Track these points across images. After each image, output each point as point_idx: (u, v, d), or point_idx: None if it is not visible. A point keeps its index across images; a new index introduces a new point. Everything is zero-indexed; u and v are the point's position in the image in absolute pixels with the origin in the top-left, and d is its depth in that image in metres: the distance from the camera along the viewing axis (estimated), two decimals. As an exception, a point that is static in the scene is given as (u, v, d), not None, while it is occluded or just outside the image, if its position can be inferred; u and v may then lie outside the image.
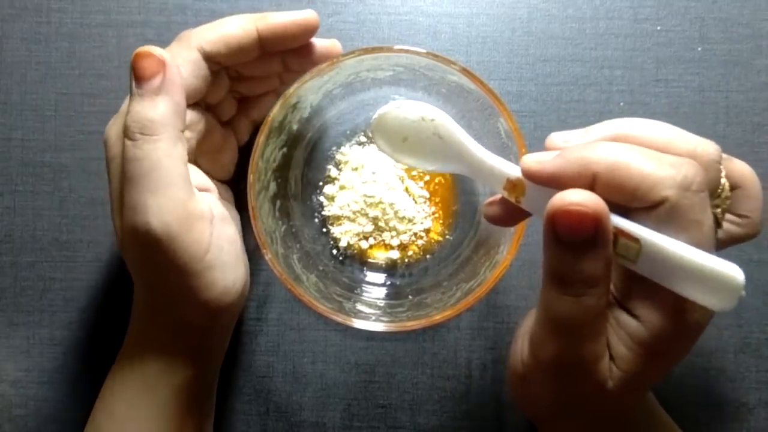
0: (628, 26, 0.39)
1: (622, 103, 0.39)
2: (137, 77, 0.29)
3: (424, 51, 0.31)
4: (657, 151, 0.23)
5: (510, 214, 0.27)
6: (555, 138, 0.26)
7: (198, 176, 0.33)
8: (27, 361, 0.38)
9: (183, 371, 0.32)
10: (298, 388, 0.38)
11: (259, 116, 0.37)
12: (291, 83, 0.36)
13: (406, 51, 0.31)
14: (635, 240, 0.23)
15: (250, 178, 0.31)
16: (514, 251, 0.30)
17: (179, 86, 0.29)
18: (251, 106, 0.37)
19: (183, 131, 0.30)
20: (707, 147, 0.25)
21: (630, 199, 0.23)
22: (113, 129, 0.30)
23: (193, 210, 0.29)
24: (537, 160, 0.24)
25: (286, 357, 0.38)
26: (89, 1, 0.39)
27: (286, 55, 0.33)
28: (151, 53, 0.29)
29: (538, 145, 0.39)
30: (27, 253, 0.39)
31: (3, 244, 0.39)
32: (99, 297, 0.38)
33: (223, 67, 0.33)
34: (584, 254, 0.23)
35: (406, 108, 0.28)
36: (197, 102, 0.33)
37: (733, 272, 0.22)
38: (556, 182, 0.24)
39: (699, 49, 0.39)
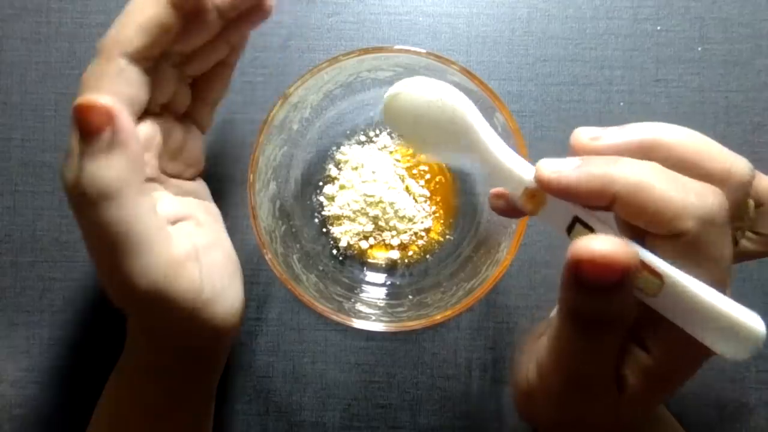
0: (628, 26, 0.39)
1: (622, 103, 0.39)
2: (84, 133, 0.25)
3: (424, 51, 0.31)
4: (684, 175, 0.22)
5: (517, 209, 0.26)
6: (582, 134, 0.24)
7: (169, 206, 0.30)
8: (27, 361, 0.38)
9: (184, 392, 0.32)
10: (298, 388, 0.38)
11: (217, 96, 0.34)
12: (240, 43, 0.33)
13: (406, 51, 0.31)
14: (658, 276, 0.22)
15: (250, 177, 0.31)
16: (515, 251, 0.30)
17: (132, 133, 0.26)
18: (205, 87, 0.33)
19: (145, 179, 0.27)
20: (741, 166, 0.23)
21: (649, 224, 0.22)
22: (69, 177, 0.26)
23: (177, 257, 0.27)
24: (554, 170, 0.23)
25: (286, 357, 0.38)
26: (89, 1, 0.39)
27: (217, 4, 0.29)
28: (95, 104, 0.25)
29: (538, 144, 0.39)
30: (27, 253, 0.39)
31: (3, 244, 0.39)
32: (99, 297, 0.38)
33: (159, 59, 0.29)
34: (606, 298, 0.21)
35: (426, 87, 0.26)
36: (146, 110, 0.29)
37: (756, 324, 0.21)
38: (572, 196, 0.23)
39: (699, 49, 0.39)
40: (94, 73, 0.27)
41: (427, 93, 0.26)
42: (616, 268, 0.20)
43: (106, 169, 0.25)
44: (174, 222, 0.30)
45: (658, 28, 0.39)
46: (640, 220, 0.22)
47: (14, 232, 0.39)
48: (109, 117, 0.25)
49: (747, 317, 0.21)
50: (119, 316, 0.35)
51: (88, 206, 0.25)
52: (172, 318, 0.28)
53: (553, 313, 0.36)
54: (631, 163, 0.22)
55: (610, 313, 0.22)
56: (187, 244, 0.29)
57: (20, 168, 0.39)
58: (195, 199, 0.34)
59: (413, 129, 0.26)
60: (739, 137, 0.38)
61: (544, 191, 0.24)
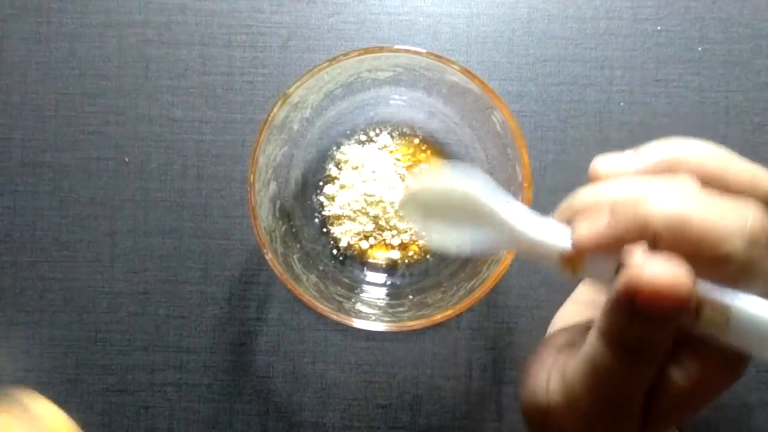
0: (628, 26, 0.39)
1: (622, 103, 0.39)
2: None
3: (424, 51, 0.31)
4: (717, 197, 0.21)
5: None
6: (600, 167, 0.23)
7: None
8: (27, 361, 0.38)
9: None
10: (298, 388, 0.38)
11: None
12: None
13: (406, 51, 0.31)
14: (723, 309, 0.21)
15: (250, 177, 0.31)
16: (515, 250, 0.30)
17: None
18: None
19: None
20: (764, 176, 0.22)
21: (694, 253, 0.21)
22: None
23: None
24: (590, 234, 0.22)
25: (286, 357, 0.38)
26: (89, 1, 0.39)
27: None
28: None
29: (538, 144, 0.39)
30: (27, 253, 0.39)
31: (3, 244, 0.39)
32: (99, 297, 0.38)
33: None
34: (657, 327, 0.20)
35: (432, 184, 0.25)
36: None
37: None
38: (614, 249, 0.22)
39: (699, 49, 0.39)
40: None
41: (434, 188, 0.25)
42: (678, 297, 0.19)
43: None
44: None
45: (658, 28, 0.39)
46: (684, 250, 0.21)
47: (14, 232, 0.39)
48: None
49: None
50: (119, 317, 0.35)
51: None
52: None
53: (564, 316, 0.35)
54: (661, 194, 0.21)
55: (658, 341, 0.21)
56: None
57: (20, 168, 0.39)
58: None
59: (431, 227, 0.25)
60: (739, 137, 0.38)
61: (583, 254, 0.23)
